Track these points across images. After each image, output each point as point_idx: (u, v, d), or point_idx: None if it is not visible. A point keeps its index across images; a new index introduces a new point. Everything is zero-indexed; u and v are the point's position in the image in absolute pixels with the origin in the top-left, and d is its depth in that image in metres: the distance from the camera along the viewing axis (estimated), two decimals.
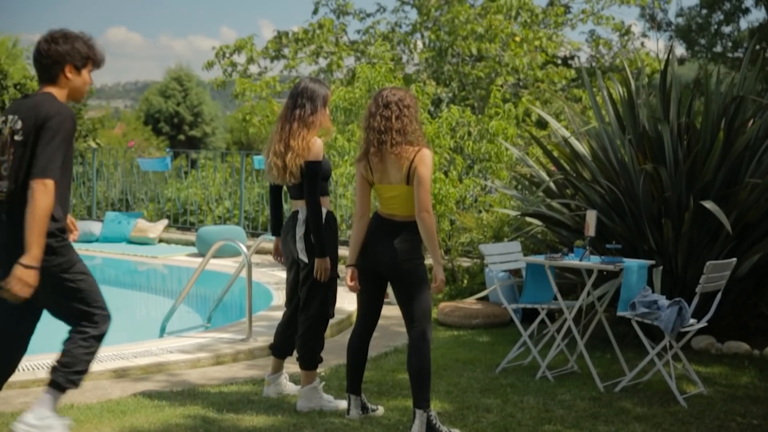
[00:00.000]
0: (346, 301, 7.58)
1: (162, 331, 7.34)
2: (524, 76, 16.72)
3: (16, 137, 4.00)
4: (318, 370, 5.27)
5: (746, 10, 21.60)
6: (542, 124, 16.27)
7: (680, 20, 22.63)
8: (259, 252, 11.15)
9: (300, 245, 5.09)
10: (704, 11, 21.85)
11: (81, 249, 11.94)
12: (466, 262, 9.45)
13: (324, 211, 5.07)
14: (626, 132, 7.32)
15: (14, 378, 5.45)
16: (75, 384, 4.17)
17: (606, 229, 7.05)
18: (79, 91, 4.20)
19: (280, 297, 8.54)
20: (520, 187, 9.17)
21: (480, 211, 9.80)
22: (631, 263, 5.91)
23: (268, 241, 10.58)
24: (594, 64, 19.31)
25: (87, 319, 4.19)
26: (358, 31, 19.07)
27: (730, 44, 22.02)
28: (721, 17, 21.78)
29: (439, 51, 17.18)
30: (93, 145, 17.70)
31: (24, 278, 3.89)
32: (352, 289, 4.80)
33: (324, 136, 5.27)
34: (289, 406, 5.14)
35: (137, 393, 5.39)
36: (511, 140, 10.11)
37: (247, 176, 13.67)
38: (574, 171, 7.63)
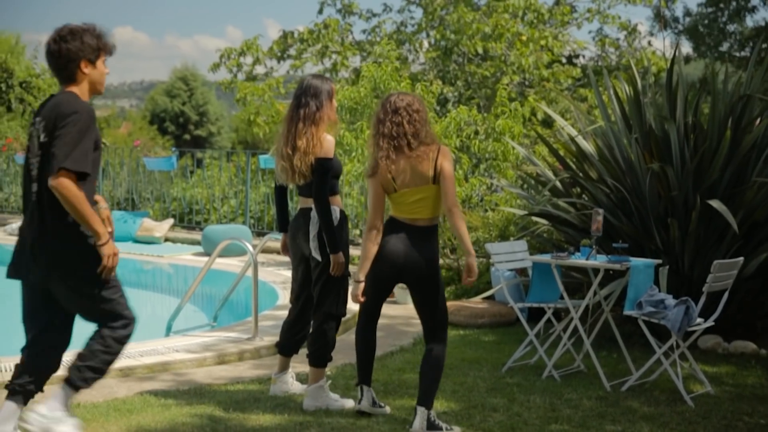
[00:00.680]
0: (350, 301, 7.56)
1: (168, 330, 7.35)
2: (530, 76, 16.70)
3: (41, 139, 4.04)
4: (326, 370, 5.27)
5: (753, 9, 21.54)
6: (547, 123, 16.25)
7: (687, 19, 22.58)
8: (264, 251, 11.16)
9: (313, 244, 5.07)
10: (710, 9, 21.81)
11: None
12: None
13: (336, 210, 5.07)
14: (633, 131, 7.30)
15: None
16: (87, 383, 4.18)
17: (612, 228, 7.03)
18: (98, 83, 4.20)
19: (285, 296, 8.53)
20: (525, 186, 9.16)
21: (486, 210, 9.79)
22: (638, 262, 5.90)
23: (274, 240, 10.58)
24: (600, 63, 19.28)
25: (110, 319, 4.20)
26: (364, 31, 19.08)
27: (736, 43, 21.96)
28: (728, 16, 21.73)
29: (444, 50, 17.16)
30: None
31: (107, 252, 4.05)
32: (356, 300, 4.84)
33: (331, 129, 5.27)
34: (296, 405, 5.14)
35: (143, 392, 5.39)
36: (518, 139, 10.10)
37: (253, 175, 13.68)
38: (580, 170, 7.62)
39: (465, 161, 9.78)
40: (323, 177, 4.99)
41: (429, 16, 18.01)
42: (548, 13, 17.97)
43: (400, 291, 8.27)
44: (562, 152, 8.01)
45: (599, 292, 6.16)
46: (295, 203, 6.19)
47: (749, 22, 22.07)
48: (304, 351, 5.33)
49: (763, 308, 7.30)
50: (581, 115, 8.30)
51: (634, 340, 6.76)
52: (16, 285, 4.32)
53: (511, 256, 6.34)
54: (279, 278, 9.62)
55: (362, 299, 4.80)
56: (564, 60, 19.69)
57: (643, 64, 16.32)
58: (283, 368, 5.42)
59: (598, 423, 5.00)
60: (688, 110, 7.30)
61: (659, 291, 5.92)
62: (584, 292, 7.23)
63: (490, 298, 8.04)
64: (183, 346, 6.44)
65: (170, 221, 13.16)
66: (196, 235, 12.82)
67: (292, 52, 18.45)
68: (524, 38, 16.57)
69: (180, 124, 40.18)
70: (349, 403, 5.08)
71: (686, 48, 22.49)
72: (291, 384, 5.43)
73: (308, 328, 5.34)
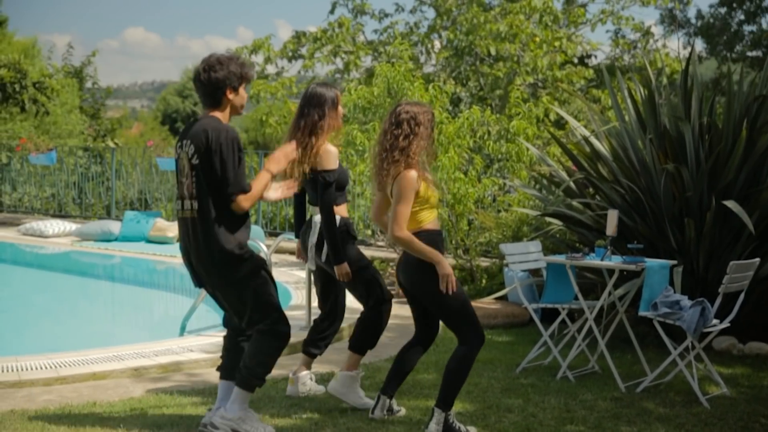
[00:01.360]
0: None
1: (182, 330, 7.36)
2: (543, 76, 16.68)
3: (193, 161, 4.41)
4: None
5: (767, 9, 21.46)
6: (560, 124, 16.23)
7: (699, 21, 22.51)
8: (278, 251, 11.17)
9: (310, 253, 5.21)
10: (724, 9, 21.73)
11: (100, 248, 12.03)
12: (484, 262, 9.43)
13: (338, 218, 5.10)
14: (647, 131, 7.28)
15: (37, 375, 5.53)
16: (260, 380, 4.57)
17: (627, 229, 7.01)
18: (239, 107, 4.59)
19: (299, 296, 8.55)
20: (539, 186, 9.14)
21: (499, 211, 9.78)
22: (653, 263, 5.88)
23: (287, 241, 10.60)
24: (615, 63, 19.24)
25: (266, 319, 4.54)
26: (376, 31, 19.09)
27: (748, 43, 21.88)
28: (742, 16, 21.65)
29: (456, 50, 17.16)
30: (111, 144, 17.80)
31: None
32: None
33: (335, 138, 5.28)
34: (311, 405, 5.14)
35: (158, 391, 5.41)
36: (531, 140, 10.09)
37: None
38: (594, 170, 7.60)
39: (478, 162, 9.77)
40: (325, 189, 5.03)
41: (441, 17, 18.01)
42: (562, 14, 17.96)
43: None
44: (576, 153, 8.00)
45: (614, 292, 6.15)
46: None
47: (764, 23, 22.00)
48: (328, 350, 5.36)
49: None
50: (595, 115, 8.28)
51: (648, 341, 6.74)
52: (7, 285, 4.37)
53: (525, 256, 6.33)
54: (292, 278, 9.63)
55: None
56: (576, 61, 19.66)
57: (657, 65, 16.31)
58: (303, 368, 5.43)
59: (613, 424, 4.98)
60: (703, 110, 7.28)
61: (674, 292, 5.90)
62: (598, 292, 7.22)
63: (503, 298, 8.03)
64: (197, 346, 6.45)
65: None
66: None
67: (304, 51, 18.48)
68: (538, 39, 16.57)
69: None
70: (371, 404, 5.07)
71: (698, 47, 22.42)
72: (309, 385, 5.43)
73: (335, 327, 5.40)
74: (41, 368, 5.67)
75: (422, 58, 18.54)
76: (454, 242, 9.39)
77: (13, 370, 5.61)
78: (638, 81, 7.86)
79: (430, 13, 23.33)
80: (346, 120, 10.09)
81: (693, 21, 22.68)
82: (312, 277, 5.96)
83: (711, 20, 22.01)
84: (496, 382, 5.81)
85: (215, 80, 4.44)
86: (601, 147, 7.70)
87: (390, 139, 4.67)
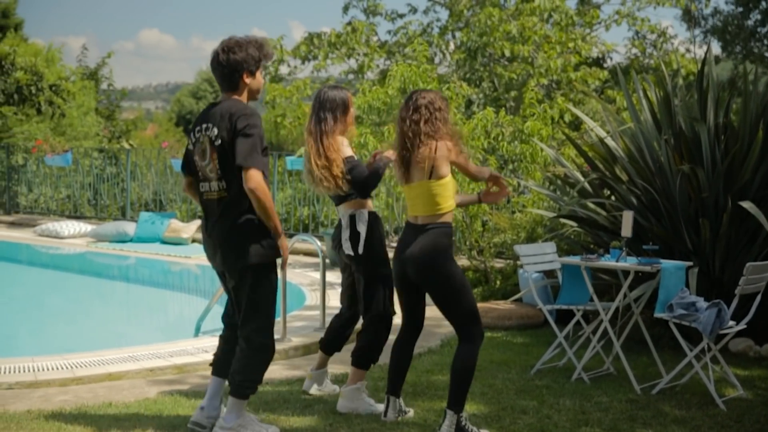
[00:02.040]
0: None
1: (197, 331, 7.38)
2: (557, 78, 16.64)
3: (216, 143, 4.39)
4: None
5: None
6: (574, 125, 16.18)
7: (714, 19, 22.41)
8: (292, 252, 11.18)
9: (346, 245, 5.12)
10: (740, 10, 21.63)
11: (115, 249, 12.08)
12: (499, 264, 9.41)
13: (364, 213, 5.09)
14: (662, 132, 7.25)
15: (53, 376, 5.55)
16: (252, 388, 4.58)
17: (642, 230, 6.99)
18: (256, 91, 4.57)
19: (313, 297, 8.55)
20: (553, 187, 9.11)
21: (513, 212, 9.76)
22: (669, 264, 5.86)
23: (301, 242, 10.61)
24: (632, 63, 19.17)
25: (252, 324, 4.56)
26: (389, 32, 19.09)
27: (766, 43, 21.76)
28: (758, 17, 21.54)
29: (470, 51, 17.14)
30: (126, 146, 17.87)
31: (284, 246, 4.58)
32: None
33: (344, 133, 5.29)
34: (325, 407, 5.15)
35: (174, 391, 5.42)
36: (546, 141, 10.06)
37: (279, 177, 13.72)
38: (609, 171, 7.57)
39: (492, 163, 9.75)
40: (351, 170, 5.00)
41: (455, 17, 18.00)
42: (576, 15, 17.92)
43: None
44: (590, 154, 7.97)
45: (629, 294, 6.12)
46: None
47: None
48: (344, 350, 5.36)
49: None
50: (610, 116, 8.25)
51: (663, 342, 6.71)
52: (23, 286, 4.41)
53: (540, 258, 6.31)
54: (306, 280, 9.64)
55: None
56: (590, 62, 19.61)
57: (672, 66, 16.24)
58: (322, 365, 5.45)
59: (629, 426, 4.96)
60: (719, 111, 7.24)
61: (689, 293, 5.87)
62: (613, 294, 7.19)
63: (518, 300, 8.02)
64: (212, 347, 6.43)
65: (197, 222, 13.21)
66: None
67: (318, 53, 18.51)
68: (552, 40, 16.53)
69: None
70: (382, 409, 5.07)
71: (714, 49, 22.31)
72: (326, 384, 5.45)
73: (354, 326, 5.40)
74: (57, 369, 5.70)
75: (437, 59, 18.53)
76: (468, 243, 9.37)
77: (29, 371, 5.65)
78: (653, 82, 7.82)
79: (443, 14, 23.31)
80: (360, 121, 10.09)
81: (710, 20, 22.57)
82: (333, 278, 5.92)
83: (728, 19, 21.91)
84: (510, 384, 5.79)
85: (234, 62, 4.42)
86: (617, 148, 7.68)
87: (411, 125, 4.67)
